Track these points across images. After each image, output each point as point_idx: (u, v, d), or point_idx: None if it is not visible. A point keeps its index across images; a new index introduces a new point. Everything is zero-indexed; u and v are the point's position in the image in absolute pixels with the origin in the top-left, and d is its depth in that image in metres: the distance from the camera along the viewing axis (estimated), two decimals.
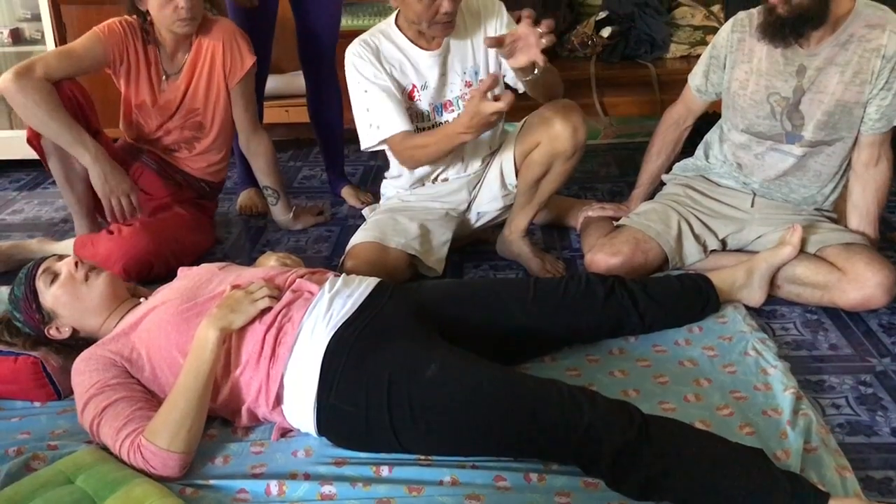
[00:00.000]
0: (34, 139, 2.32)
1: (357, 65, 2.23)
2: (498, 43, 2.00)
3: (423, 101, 2.28)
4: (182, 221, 2.48)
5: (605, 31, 3.03)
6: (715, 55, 2.27)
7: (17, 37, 3.39)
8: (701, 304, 2.02)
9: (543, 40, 1.93)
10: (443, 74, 2.27)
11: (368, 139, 2.26)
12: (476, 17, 2.27)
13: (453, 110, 2.31)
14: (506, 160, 2.36)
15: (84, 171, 2.32)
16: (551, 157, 2.23)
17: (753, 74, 2.18)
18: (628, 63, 3.03)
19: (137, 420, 1.55)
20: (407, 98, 2.27)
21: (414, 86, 2.26)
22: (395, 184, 2.47)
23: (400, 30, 2.25)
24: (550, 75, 2.18)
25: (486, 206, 2.42)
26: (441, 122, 2.30)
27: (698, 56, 2.95)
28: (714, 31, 2.98)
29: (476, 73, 2.29)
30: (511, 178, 2.36)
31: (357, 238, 2.27)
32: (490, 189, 2.40)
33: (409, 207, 2.38)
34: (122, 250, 2.24)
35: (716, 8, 3.11)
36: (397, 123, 2.20)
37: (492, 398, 1.50)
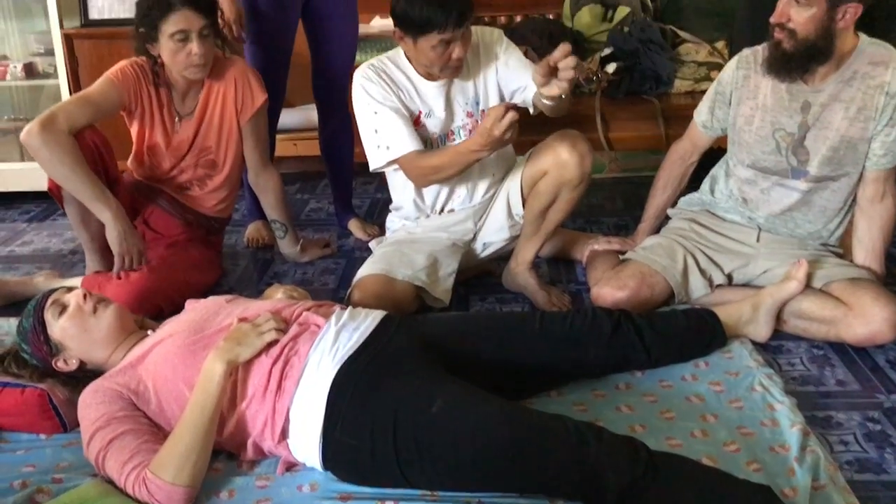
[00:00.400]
0: (55, 190, 2.34)
1: (366, 87, 2.25)
2: (551, 72, 1.99)
3: (428, 129, 2.30)
4: (191, 262, 2.48)
5: (610, 67, 3.06)
6: (720, 91, 2.29)
7: (30, 71, 3.44)
8: (707, 339, 2.02)
9: (573, 72, 1.97)
10: (447, 105, 2.30)
11: (377, 160, 2.28)
12: (475, 49, 2.29)
13: (454, 139, 2.33)
14: (512, 190, 2.37)
15: None
16: (558, 186, 2.24)
17: (759, 110, 2.20)
18: (633, 98, 3.06)
19: (143, 453, 1.55)
20: (413, 123, 2.29)
21: (420, 111, 2.28)
22: (401, 215, 2.48)
23: (408, 60, 2.28)
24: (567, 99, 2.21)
25: (493, 236, 2.43)
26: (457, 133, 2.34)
27: (703, 91, 2.98)
28: (718, 66, 3.00)
29: (477, 104, 2.32)
30: (518, 208, 2.37)
31: (364, 270, 2.28)
32: (496, 219, 2.41)
33: (415, 239, 2.39)
34: (130, 294, 2.23)
35: (720, 44, 3.14)
36: (407, 143, 2.22)
37: (497, 434, 1.49)
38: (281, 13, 2.65)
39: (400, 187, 2.42)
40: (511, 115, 1.98)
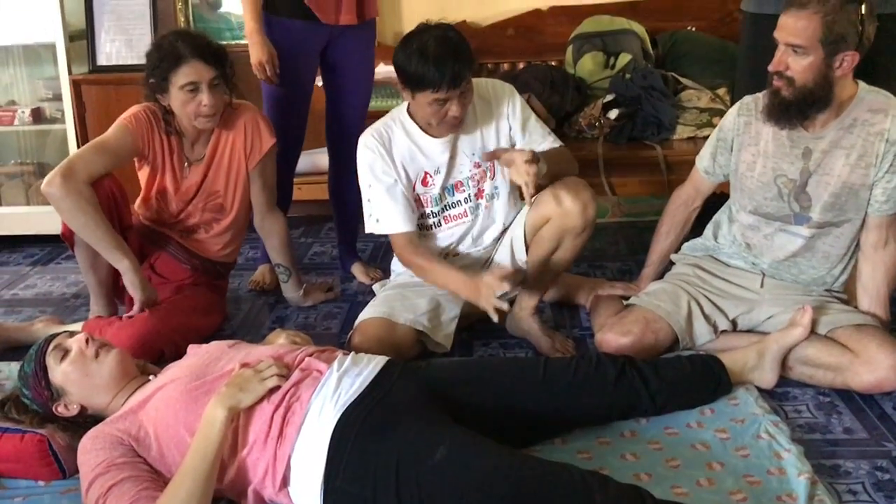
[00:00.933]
0: (68, 234, 2.36)
1: (367, 158, 2.31)
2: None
3: (437, 186, 2.33)
4: (194, 305, 2.48)
5: (613, 113, 3.09)
6: (722, 138, 2.31)
7: (37, 116, 3.48)
8: (712, 385, 2.01)
9: (531, 177, 2.08)
10: (452, 157, 2.32)
11: (369, 226, 2.37)
12: (486, 101, 2.32)
13: (464, 190, 2.36)
14: (516, 236, 2.38)
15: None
16: (561, 233, 2.25)
17: (760, 157, 2.21)
18: (635, 144, 3.07)
19: (143, 500, 1.53)
20: (420, 184, 2.32)
21: (427, 172, 2.31)
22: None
23: (411, 117, 2.31)
24: (556, 166, 2.26)
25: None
26: (452, 203, 2.36)
27: (705, 137, 2.99)
28: (720, 113, 3.03)
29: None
30: (521, 254, 2.37)
31: (365, 314, 2.28)
32: (500, 265, 2.41)
33: (418, 283, 2.39)
34: (132, 337, 2.23)
35: (721, 91, 3.17)
36: (398, 223, 2.30)
37: (501, 482, 1.47)
38: (302, 57, 2.68)
39: None
40: (505, 289, 2.02)
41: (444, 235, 2.41)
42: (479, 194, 2.38)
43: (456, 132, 2.29)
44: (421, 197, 2.36)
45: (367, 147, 2.31)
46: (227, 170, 2.51)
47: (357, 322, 2.27)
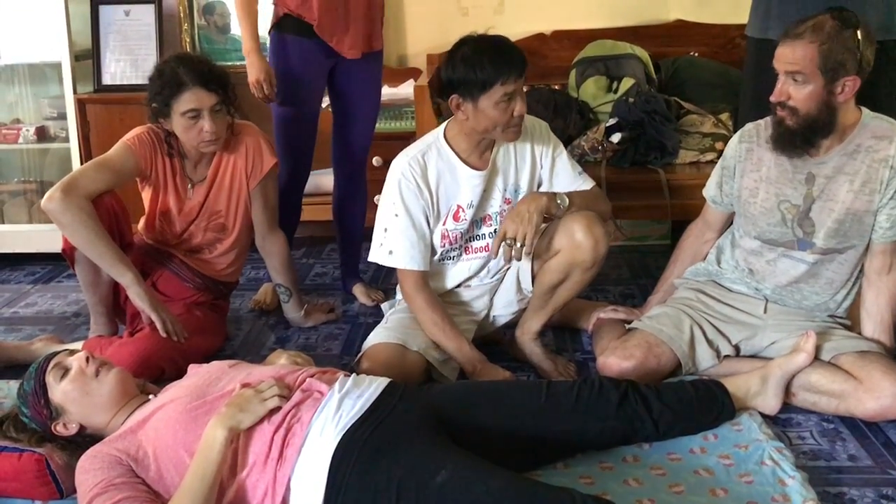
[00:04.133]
0: (69, 251, 2.36)
1: (401, 185, 2.23)
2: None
3: (467, 221, 2.29)
4: (196, 325, 2.46)
5: (615, 137, 3.09)
6: (726, 165, 2.31)
7: (42, 134, 3.49)
8: (716, 411, 1.99)
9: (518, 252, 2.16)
10: (485, 191, 2.29)
11: (376, 256, 2.30)
12: (524, 135, 2.28)
13: (491, 224, 2.33)
14: (523, 266, 2.35)
15: (110, 277, 2.36)
16: (570, 267, 2.24)
17: (763, 182, 2.21)
18: (638, 168, 3.08)
19: None
20: (452, 220, 2.28)
21: (459, 206, 2.27)
22: None
23: (449, 144, 2.26)
24: (582, 200, 2.29)
25: (501, 310, 2.42)
26: (478, 235, 2.33)
27: (708, 162, 3.02)
28: (723, 138, 3.03)
29: (517, 191, 2.32)
30: (527, 284, 2.35)
31: (377, 338, 2.26)
32: (507, 294, 2.40)
33: None
34: (132, 356, 2.22)
35: (724, 116, 3.18)
36: (409, 261, 2.25)
37: None
38: (309, 76, 2.70)
39: None
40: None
41: (463, 267, 2.37)
42: None
43: (517, 138, 2.23)
44: (450, 233, 2.30)
45: (404, 175, 2.23)
46: (229, 190, 2.51)
47: (366, 346, 2.25)
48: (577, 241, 2.19)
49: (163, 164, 2.45)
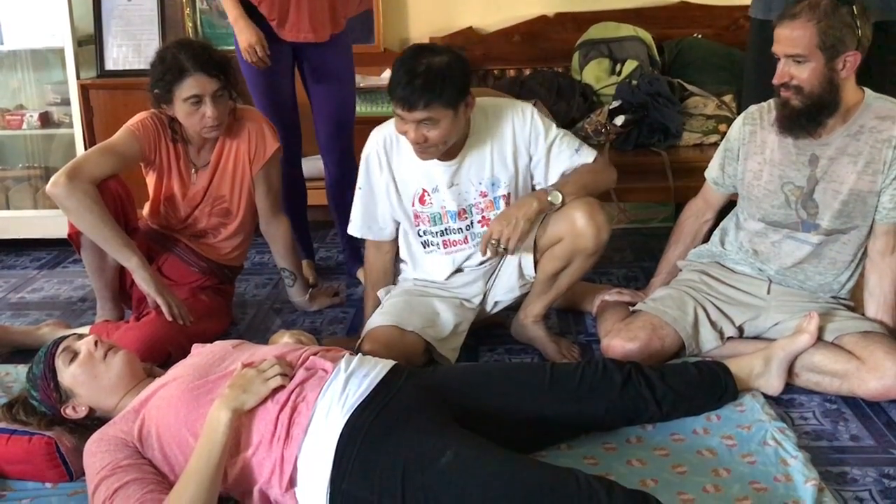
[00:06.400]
0: (75, 236, 2.37)
1: (369, 159, 2.31)
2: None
3: (436, 205, 2.30)
4: (202, 309, 2.48)
5: (619, 120, 3.09)
6: (729, 148, 2.31)
7: (45, 120, 3.49)
8: (719, 392, 2.00)
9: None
10: (456, 184, 2.27)
11: (349, 227, 2.43)
12: (497, 126, 2.26)
13: (466, 218, 2.32)
14: (525, 253, 2.33)
15: (115, 262, 2.37)
16: (573, 254, 2.24)
17: (767, 165, 2.21)
18: (641, 151, 3.08)
19: (148, 503, 1.53)
20: (418, 202, 2.30)
21: (424, 190, 2.29)
22: (406, 268, 2.49)
23: None
24: (585, 189, 2.26)
25: (503, 296, 2.42)
26: (455, 229, 2.32)
27: (711, 144, 3.02)
28: (726, 120, 3.03)
29: (493, 185, 2.28)
30: (529, 270, 2.35)
31: (375, 321, 2.27)
32: (507, 280, 2.39)
33: (424, 291, 2.38)
34: (139, 340, 2.24)
35: (727, 98, 3.17)
36: (361, 229, 2.39)
37: (507, 486, 1.47)
38: (274, 64, 2.69)
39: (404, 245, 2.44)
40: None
41: (446, 260, 2.37)
42: (483, 222, 2.32)
43: (429, 158, 2.19)
44: (419, 214, 2.32)
45: (373, 150, 2.30)
46: (233, 175, 2.52)
47: (366, 330, 2.27)
48: (580, 230, 2.20)
49: (167, 150, 2.46)
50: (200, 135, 2.41)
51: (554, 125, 2.31)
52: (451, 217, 2.31)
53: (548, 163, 2.29)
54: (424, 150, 2.15)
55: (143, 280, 2.33)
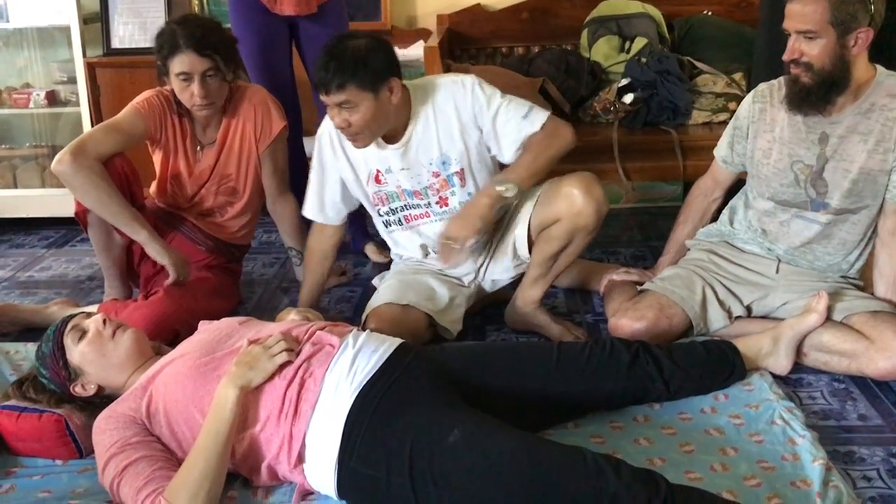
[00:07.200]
0: (82, 214, 2.38)
1: (321, 140, 2.31)
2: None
3: (391, 184, 2.28)
4: (208, 287, 2.49)
5: (628, 98, 3.07)
6: (738, 126, 2.29)
7: (52, 98, 3.49)
8: (727, 371, 2.00)
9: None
10: (406, 168, 2.25)
11: (303, 209, 2.44)
12: (442, 106, 2.20)
13: (423, 198, 2.30)
14: (519, 233, 2.29)
15: (123, 239, 2.39)
16: (573, 233, 2.20)
17: (776, 143, 2.20)
18: (650, 129, 3.05)
19: (157, 480, 1.54)
20: (374, 182, 2.29)
21: (378, 170, 2.27)
22: (393, 252, 2.50)
23: None
24: (537, 161, 2.17)
25: (499, 275, 2.40)
26: (414, 205, 2.30)
27: (720, 122, 2.99)
28: (736, 98, 3.00)
29: (444, 164, 2.24)
30: (524, 251, 2.30)
31: (375, 301, 2.28)
32: (502, 261, 2.36)
33: (416, 270, 2.39)
34: (147, 318, 2.24)
35: (737, 76, 3.14)
36: (310, 210, 2.40)
37: (515, 464, 1.48)
38: (265, 40, 2.68)
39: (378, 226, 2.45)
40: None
41: (412, 235, 2.36)
42: (441, 202, 2.30)
43: (358, 146, 2.18)
44: (378, 194, 2.32)
45: (324, 129, 2.30)
46: (239, 153, 2.51)
47: (368, 310, 2.27)
48: (579, 208, 2.15)
49: (172, 128, 2.45)
50: (193, 112, 2.41)
51: (498, 93, 2.21)
52: (407, 195, 2.30)
53: (496, 135, 2.21)
54: (351, 136, 2.14)
55: (156, 252, 2.33)
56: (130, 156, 2.44)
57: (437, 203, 2.30)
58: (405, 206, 2.32)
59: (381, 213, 2.37)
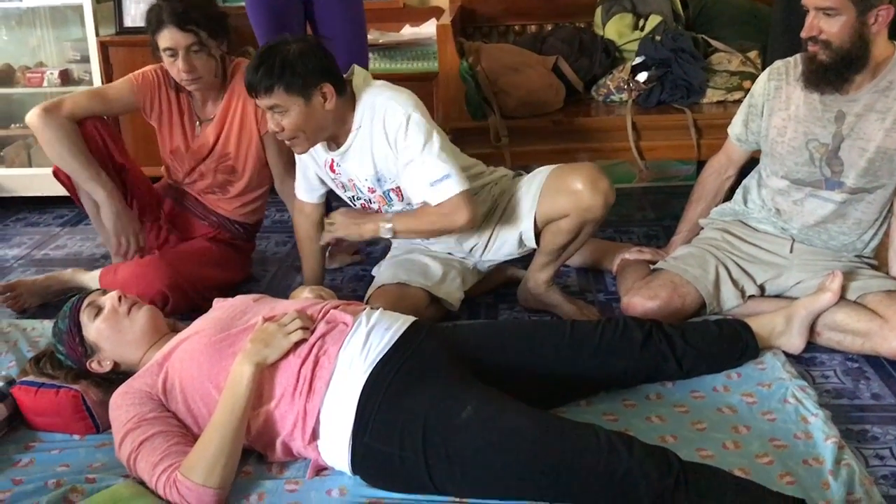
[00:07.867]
0: (59, 173, 2.42)
1: None
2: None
3: (344, 175, 2.26)
4: (206, 255, 2.51)
5: (642, 76, 3.04)
6: (753, 104, 2.28)
7: (66, 77, 3.49)
8: (739, 350, 2.00)
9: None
10: (350, 179, 2.25)
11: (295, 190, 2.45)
12: (379, 125, 2.12)
13: (370, 208, 2.30)
14: (525, 228, 2.24)
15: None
16: (581, 226, 2.19)
17: (791, 121, 2.18)
18: (664, 108, 3.03)
19: (174, 455, 1.56)
20: (329, 170, 2.28)
21: (333, 159, 2.24)
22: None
23: None
24: (408, 227, 2.20)
25: (500, 257, 2.37)
26: (367, 199, 2.29)
27: (735, 101, 2.97)
28: (750, 76, 2.98)
29: (379, 181, 2.20)
30: (532, 243, 2.27)
31: (376, 283, 2.32)
32: (503, 249, 2.33)
33: (411, 251, 2.40)
34: (139, 279, 2.28)
35: (752, 54, 3.11)
36: (299, 191, 2.41)
37: (527, 441, 1.49)
38: (279, 13, 2.64)
39: None
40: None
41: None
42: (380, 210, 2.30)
43: (298, 151, 2.19)
44: (334, 181, 2.31)
45: None
46: (239, 133, 2.51)
47: (370, 292, 2.29)
48: (588, 204, 2.13)
49: (168, 102, 2.47)
50: (184, 86, 2.42)
51: (423, 142, 2.07)
52: (359, 189, 2.28)
53: (402, 181, 2.16)
54: (287, 140, 2.12)
55: (107, 216, 2.36)
56: (141, 129, 2.45)
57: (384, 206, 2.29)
58: (358, 196, 2.31)
59: (346, 197, 2.37)
